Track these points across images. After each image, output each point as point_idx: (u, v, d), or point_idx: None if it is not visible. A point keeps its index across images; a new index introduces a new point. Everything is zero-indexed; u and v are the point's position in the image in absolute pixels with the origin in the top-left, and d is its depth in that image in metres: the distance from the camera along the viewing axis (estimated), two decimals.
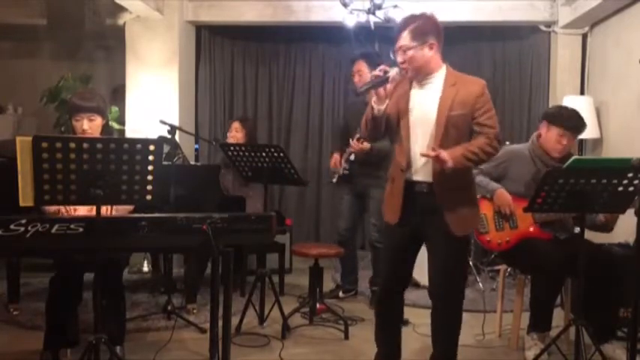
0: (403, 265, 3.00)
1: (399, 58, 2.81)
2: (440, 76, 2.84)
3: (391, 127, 2.90)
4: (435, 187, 2.79)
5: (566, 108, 3.72)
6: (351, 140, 4.30)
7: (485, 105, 2.79)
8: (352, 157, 4.44)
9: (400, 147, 2.88)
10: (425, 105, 2.81)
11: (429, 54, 2.78)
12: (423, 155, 2.74)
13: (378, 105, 2.81)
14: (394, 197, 2.90)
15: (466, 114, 2.77)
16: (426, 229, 2.87)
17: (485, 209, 3.60)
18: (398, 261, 2.98)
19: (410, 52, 2.77)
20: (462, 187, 2.84)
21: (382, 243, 3.43)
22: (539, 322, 3.46)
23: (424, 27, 2.78)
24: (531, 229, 3.55)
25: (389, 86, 2.80)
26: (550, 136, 3.54)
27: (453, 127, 2.76)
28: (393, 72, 2.78)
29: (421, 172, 2.81)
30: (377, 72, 2.79)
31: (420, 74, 2.83)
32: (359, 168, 4.42)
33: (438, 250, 2.88)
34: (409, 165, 2.83)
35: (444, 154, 2.66)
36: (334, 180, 4.62)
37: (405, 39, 2.78)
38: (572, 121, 3.51)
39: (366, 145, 4.21)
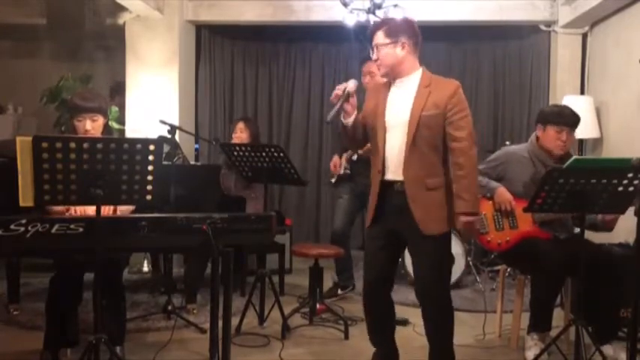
0: (384, 266, 3.00)
1: (374, 56, 2.89)
2: (415, 78, 2.88)
3: (370, 132, 2.96)
4: (405, 185, 2.81)
5: (555, 106, 3.74)
6: None
7: (458, 105, 2.80)
8: (354, 158, 4.45)
9: (376, 150, 2.91)
10: (399, 106, 2.86)
11: (401, 53, 2.84)
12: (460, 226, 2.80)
13: (345, 120, 2.88)
14: (372, 199, 2.96)
15: (439, 114, 2.79)
16: (402, 228, 2.89)
17: (485, 209, 3.59)
18: (379, 262, 2.99)
19: (382, 50, 2.84)
20: (433, 187, 2.82)
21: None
22: (540, 322, 3.45)
23: (398, 26, 2.87)
24: (531, 228, 3.55)
25: (352, 100, 2.86)
26: (548, 137, 3.54)
27: (426, 127, 2.79)
28: (350, 85, 2.85)
29: (394, 171, 2.85)
30: (337, 91, 2.85)
31: (392, 73, 2.89)
32: (360, 168, 4.41)
33: (416, 250, 2.92)
34: (384, 166, 2.88)
35: (466, 219, 2.76)
36: (333, 180, 4.63)
37: (379, 37, 2.87)
38: (565, 117, 3.52)
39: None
